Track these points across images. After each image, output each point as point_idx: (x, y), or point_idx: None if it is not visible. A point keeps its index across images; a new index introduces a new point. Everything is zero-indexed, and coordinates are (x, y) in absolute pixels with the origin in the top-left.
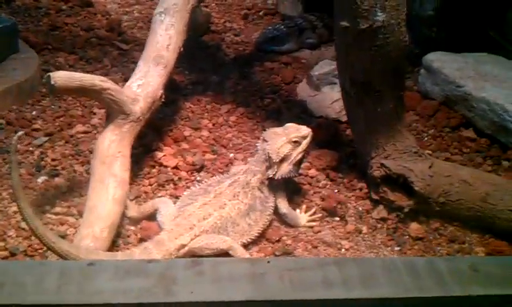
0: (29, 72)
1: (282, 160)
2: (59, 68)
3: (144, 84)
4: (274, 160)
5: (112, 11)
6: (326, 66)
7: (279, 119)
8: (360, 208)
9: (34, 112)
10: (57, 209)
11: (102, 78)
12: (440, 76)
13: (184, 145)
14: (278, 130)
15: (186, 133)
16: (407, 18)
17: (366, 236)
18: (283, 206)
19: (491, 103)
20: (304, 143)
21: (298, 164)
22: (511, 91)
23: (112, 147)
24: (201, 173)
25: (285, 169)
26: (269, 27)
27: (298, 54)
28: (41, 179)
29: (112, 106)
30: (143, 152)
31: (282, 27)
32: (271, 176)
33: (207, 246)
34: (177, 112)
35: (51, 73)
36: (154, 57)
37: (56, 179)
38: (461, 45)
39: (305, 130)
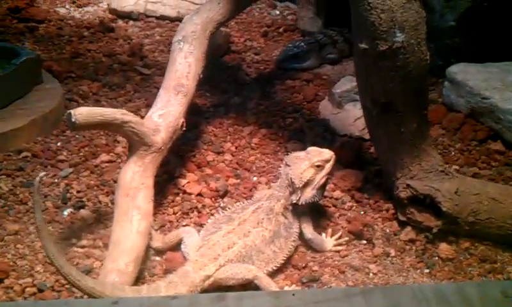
0: (54, 103)
1: (305, 185)
2: (82, 96)
3: (165, 114)
4: (297, 186)
5: (134, 36)
6: (347, 83)
7: (302, 140)
8: (388, 230)
9: (59, 143)
10: (84, 242)
11: (123, 111)
12: (464, 88)
13: (207, 170)
14: (301, 154)
15: (209, 158)
16: (428, 29)
17: (394, 259)
18: (308, 231)
19: None
20: (328, 167)
21: (322, 188)
22: None
23: (136, 179)
24: (225, 199)
25: (309, 194)
26: (289, 45)
27: (319, 70)
28: (67, 211)
29: (134, 138)
30: (166, 179)
31: (302, 43)
32: (294, 201)
33: (232, 276)
34: (200, 137)
35: (72, 111)
36: (174, 86)
37: (82, 211)
38: (484, 55)
39: (328, 154)
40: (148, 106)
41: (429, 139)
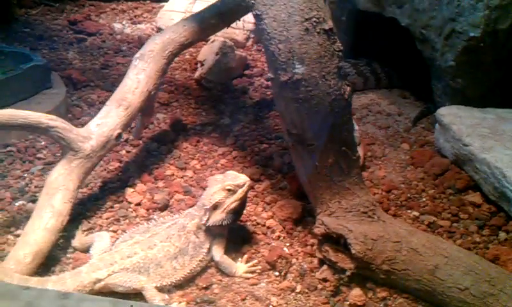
0: (51, 106)
1: (215, 207)
2: (88, 103)
3: (101, 124)
4: (207, 207)
5: None
6: None
7: (266, 166)
8: (305, 266)
9: (43, 142)
10: (19, 231)
11: (51, 116)
12: (450, 132)
13: (160, 183)
14: (219, 177)
15: (168, 172)
16: (431, 67)
17: (299, 295)
18: (217, 253)
19: (492, 166)
20: (240, 192)
21: (233, 212)
22: None
23: (59, 180)
24: (164, 213)
25: (218, 216)
26: None
27: None
28: (18, 203)
29: (62, 143)
30: (118, 186)
31: None
32: (203, 222)
33: (121, 283)
34: (170, 151)
35: None
36: (118, 99)
37: (30, 204)
38: (492, 99)
39: (242, 179)
40: None
41: (355, 177)
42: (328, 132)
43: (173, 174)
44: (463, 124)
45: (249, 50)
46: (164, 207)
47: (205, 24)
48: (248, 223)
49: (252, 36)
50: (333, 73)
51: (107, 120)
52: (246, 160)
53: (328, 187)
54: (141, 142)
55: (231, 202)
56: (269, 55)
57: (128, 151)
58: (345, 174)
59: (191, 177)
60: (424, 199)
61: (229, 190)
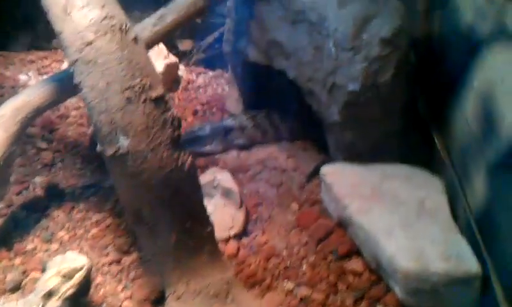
0: None
1: (49, 294)
2: None
3: None
4: (39, 295)
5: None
6: (210, 175)
7: None
8: None
9: None
10: None
11: None
12: (332, 192)
13: (17, 260)
14: (58, 258)
15: (31, 246)
16: (321, 120)
17: None
18: None
19: (367, 231)
20: (77, 277)
21: (71, 299)
22: (398, 218)
23: None
24: (14, 295)
25: (53, 304)
26: (196, 127)
27: (222, 156)
28: None
29: None
30: None
31: (207, 126)
32: None
33: None
34: (39, 221)
35: None
36: None
37: None
38: (386, 152)
39: (80, 262)
40: None
41: (206, 254)
42: (165, 208)
43: (36, 248)
44: (344, 183)
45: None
46: (15, 288)
47: (65, 85)
48: (104, 305)
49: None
50: (165, 145)
51: None
52: (120, 228)
53: (175, 268)
54: (9, 211)
55: (67, 288)
56: (94, 128)
57: None
58: (193, 252)
59: (56, 250)
60: (304, 267)
61: (64, 276)
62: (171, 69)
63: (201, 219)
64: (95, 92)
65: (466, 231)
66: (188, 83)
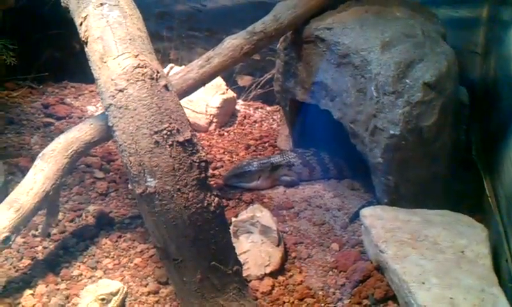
0: None
1: None
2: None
3: None
4: None
5: None
6: (250, 212)
7: None
8: None
9: None
10: None
11: None
12: (370, 236)
13: (63, 285)
14: (91, 287)
15: (76, 272)
16: (366, 161)
17: None
18: None
19: (400, 278)
20: (115, 300)
21: None
22: (434, 267)
23: None
24: None
25: None
26: (244, 162)
27: (268, 192)
28: None
29: None
30: (19, 288)
31: (255, 162)
32: None
33: None
34: (85, 249)
35: None
36: (10, 201)
37: None
38: (429, 198)
39: (115, 286)
40: None
41: (231, 293)
42: (191, 246)
43: (81, 275)
44: (382, 227)
45: (211, 135)
46: None
47: None
48: None
49: (215, 120)
50: (191, 186)
51: None
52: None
53: (200, 305)
54: (61, 237)
55: None
56: (125, 167)
57: (45, 247)
58: (218, 290)
59: (100, 277)
60: None
61: (102, 299)
62: (228, 104)
63: (228, 258)
64: (126, 135)
65: (506, 283)
66: (244, 118)
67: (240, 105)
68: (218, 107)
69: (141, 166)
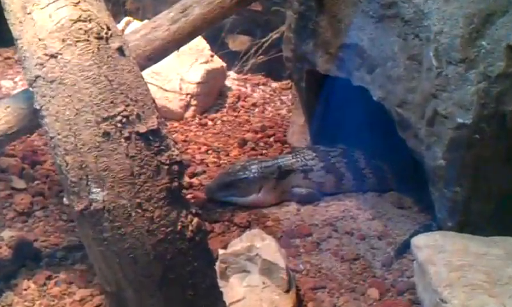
0: None
1: None
2: None
3: None
4: None
5: None
6: (244, 241)
7: None
8: None
9: None
10: None
11: None
12: (427, 277)
13: None
14: None
15: None
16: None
17: None
18: None
19: None
20: None
21: None
22: None
23: None
24: None
25: None
26: (238, 165)
27: (275, 211)
28: None
29: None
30: None
31: (254, 166)
32: None
33: None
34: (2, 294)
35: None
36: None
37: None
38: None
39: None
40: None
41: None
42: (156, 291)
43: None
44: (446, 265)
45: (189, 124)
46: None
47: None
48: None
49: (194, 103)
50: (157, 200)
51: None
52: None
53: None
54: None
55: None
56: (59, 172)
57: None
58: None
59: None
60: None
61: None
62: (214, 78)
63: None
64: (61, 123)
65: None
66: (239, 99)
67: (232, 80)
68: (199, 83)
69: (83, 170)
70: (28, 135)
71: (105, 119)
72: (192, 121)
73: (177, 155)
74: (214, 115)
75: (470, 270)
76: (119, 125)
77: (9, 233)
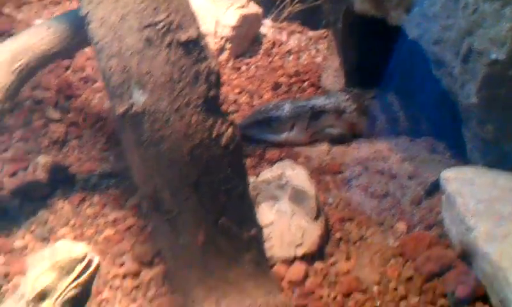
0: None
1: (42, 296)
2: None
3: None
4: (28, 298)
5: None
6: (277, 169)
7: None
8: None
9: None
10: None
11: None
12: (455, 208)
13: (0, 259)
14: (46, 252)
15: (20, 243)
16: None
17: None
18: None
19: (495, 266)
20: (78, 269)
21: (72, 302)
22: None
23: None
24: None
25: None
26: (270, 105)
27: (307, 149)
28: None
29: None
30: None
31: (286, 106)
32: None
33: None
34: (36, 213)
35: None
36: None
37: None
38: None
39: (80, 251)
40: None
41: (246, 266)
42: (191, 194)
43: (26, 247)
44: (473, 196)
45: (223, 67)
46: None
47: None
48: None
49: (229, 46)
50: (195, 106)
51: None
52: (144, 232)
53: (201, 279)
54: None
55: (66, 286)
56: (103, 76)
57: None
58: (228, 260)
59: None
60: None
61: (62, 268)
62: (249, 23)
63: (243, 216)
64: (105, 28)
65: None
66: (274, 45)
67: (267, 27)
68: (234, 27)
69: (126, 74)
70: (69, 61)
71: (148, 26)
72: (226, 64)
73: (215, 66)
74: (248, 60)
75: (498, 202)
76: (161, 32)
77: (44, 158)
